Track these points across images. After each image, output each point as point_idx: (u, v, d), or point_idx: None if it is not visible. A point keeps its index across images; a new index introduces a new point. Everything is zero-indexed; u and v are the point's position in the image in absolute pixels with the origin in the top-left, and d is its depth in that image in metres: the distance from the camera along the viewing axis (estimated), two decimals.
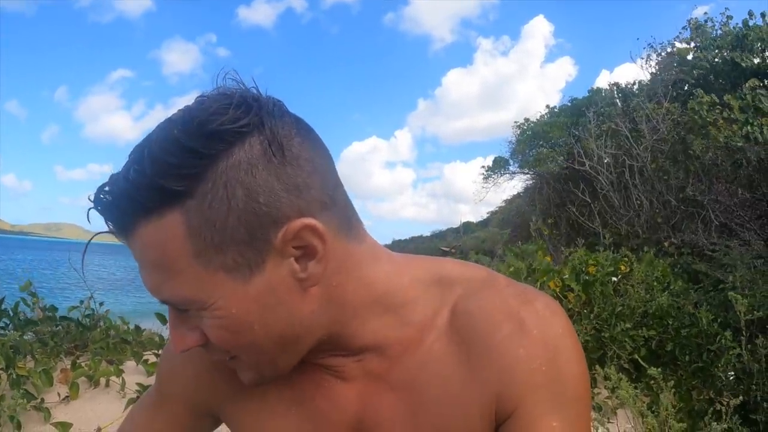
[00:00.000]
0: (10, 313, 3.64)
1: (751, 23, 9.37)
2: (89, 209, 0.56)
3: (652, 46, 11.21)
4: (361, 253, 0.61)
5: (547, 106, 14.60)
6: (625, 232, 7.97)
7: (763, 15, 9.29)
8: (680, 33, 10.51)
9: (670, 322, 3.90)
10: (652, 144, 8.42)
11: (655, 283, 4.37)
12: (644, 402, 2.81)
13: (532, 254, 5.42)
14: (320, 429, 0.66)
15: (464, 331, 0.63)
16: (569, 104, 13.68)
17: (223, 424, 0.76)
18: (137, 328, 3.97)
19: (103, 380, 3.25)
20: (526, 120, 14.02)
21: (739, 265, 4.40)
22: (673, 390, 2.81)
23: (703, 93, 7.66)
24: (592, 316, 4.08)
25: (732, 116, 7.15)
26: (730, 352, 3.10)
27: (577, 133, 10.34)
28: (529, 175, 13.50)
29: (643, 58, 11.24)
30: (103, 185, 0.55)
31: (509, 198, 16.64)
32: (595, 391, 3.36)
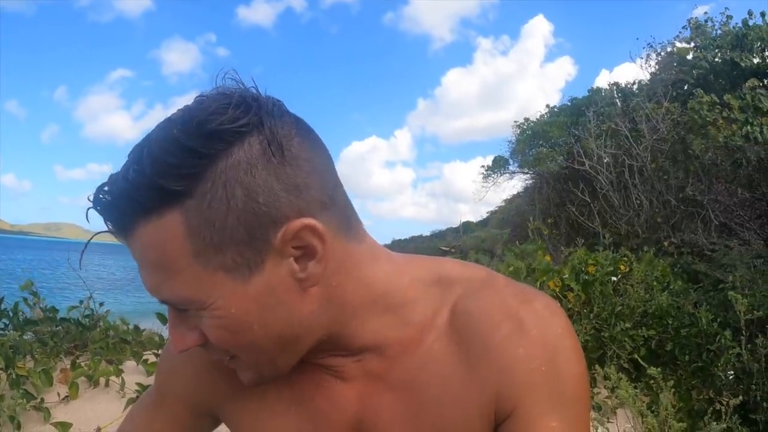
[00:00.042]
0: (10, 313, 3.64)
1: (750, 23, 9.37)
2: (88, 209, 0.56)
3: (651, 46, 11.23)
4: (360, 253, 0.61)
5: (547, 106, 14.61)
6: (625, 231, 7.97)
7: (762, 14, 9.29)
8: (680, 32, 10.53)
9: (670, 322, 3.90)
10: (652, 144, 8.42)
11: (655, 283, 4.37)
12: (644, 402, 2.81)
13: (531, 254, 5.42)
14: (320, 429, 0.66)
15: (464, 331, 0.63)
16: (569, 104, 13.69)
17: (223, 424, 0.76)
18: (136, 328, 3.97)
19: (102, 380, 3.25)
20: (526, 120, 14.03)
21: (738, 264, 4.40)
22: (672, 390, 2.81)
23: (703, 93, 7.66)
24: (591, 315, 4.08)
25: (732, 116, 7.15)
26: (730, 352, 3.10)
27: (576, 132, 10.34)
28: (528, 175, 13.50)
29: (642, 58, 11.26)
30: (103, 185, 0.55)
31: (509, 197, 16.65)
32: (595, 390, 3.36)
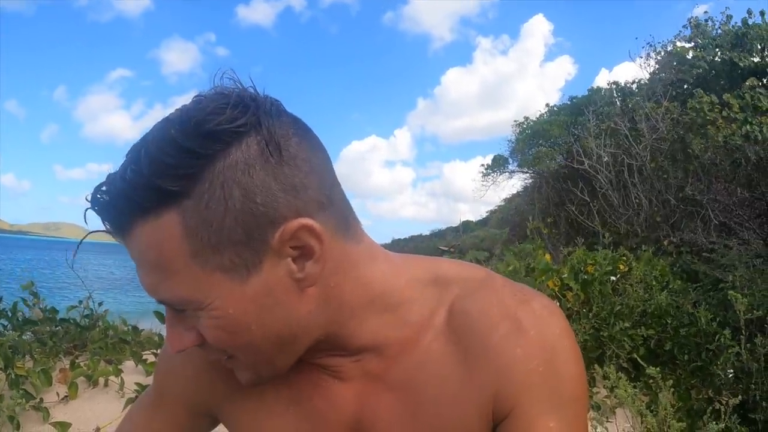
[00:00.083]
0: (9, 313, 3.64)
1: (750, 22, 9.38)
2: (86, 209, 0.56)
3: (651, 45, 11.24)
4: (358, 253, 0.61)
5: (547, 105, 14.64)
6: (624, 231, 7.97)
7: (762, 13, 9.30)
8: (680, 31, 10.54)
9: (669, 321, 3.90)
10: (651, 143, 8.42)
11: (654, 282, 4.37)
12: (643, 401, 2.81)
13: (530, 253, 5.42)
14: (318, 429, 0.66)
15: (461, 331, 0.63)
16: (569, 103, 13.70)
17: (221, 424, 0.76)
18: (135, 328, 3.97)
19: (101, 380, 3.25)
20: (526, 119, 14.05)
21: (738, 264, 4.40)
22: (671, 389, 2.81)
23: (702, 93, 7.67)
24: (590, 315, 4.08)
25: (731, 115, 7.16)
26: (729, 351, 3.10)
27: (576, 132, 10.35)
28: (528, 174, 13.51)
29: (642, 57, 11.26)
30: (100, 185, 0.55)
31: (508, 197, 16.66)
32: (594, 390, 3.36)
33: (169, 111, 0.56)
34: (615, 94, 11.88)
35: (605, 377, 2.95)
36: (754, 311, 3.17)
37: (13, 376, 2.93)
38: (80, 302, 3.93)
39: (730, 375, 3.10)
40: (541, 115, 14.10)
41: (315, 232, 0.55)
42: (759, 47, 9.13)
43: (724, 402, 2.73)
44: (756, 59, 9.00)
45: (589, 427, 2.51)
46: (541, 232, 8.04)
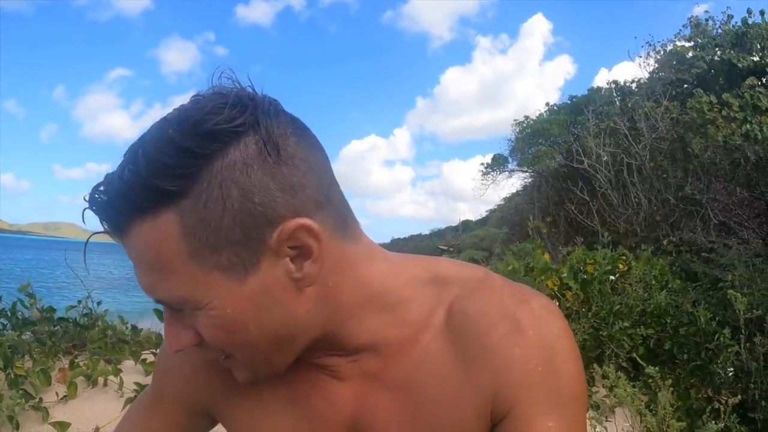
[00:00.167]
0: (8, 313, 3.64)
1: (750, 21, 9.39)
2: (84, 209, 0.56)
3: (650, 45, 11.25)
4: (356, 252, 0.61)
5: (547, 104, 14.65)
6: (624, 230, 7.97)
7: (762, 13, 9.30)
8: (680, 31, 10.55)
9: (669, 321, 3.90)
10: (651, 142, 8.42)
11: (654, 282, 4.37)
12: (642, 401, 2.81)
13: (530, 253, 5.43)
14: (316, 428, 0.66)
15: (460, 331, 0.63)
16: (569, 102, 13.71)
17: (220, 424, 0.76)
18: (134, 327, 3.97)
19: (101, 379, 3.25)
20: (526, 118, 14.06)
21: (737, 263, 4.40)
22: (671, 389, 2.81)
23: (702, 93, 7.67)
24: (590, 314, 4.08)
25: (731, 114, 7.16)
26: (729, 350, 3.10)
27: (575, 131, 10.35)
28: (528, 173, 13.52)
29: (641, 57, 11.27)
30: (98, 185, 0.55)
31: (508, 196, 16.67)
32: (594, 389, 3.36)
33: (169, 110, 0.56)
34: (614, 94, 11.89)
35: (604, 377, 2.95)
36: (754, 310, 3.17)
37: (12, 376, 2.93)
38: (79, 302, 3.93)
39: (731, 374, 3.10)
40: (540, 115, 14.12)
41: (313, 231, 0.54)
42: (758, 47, 9.13)
43: (723, 401, 2.73)
44: (756, 58, 9.01)
45: (588, 427, 2.52)
46: (541, 232, 8.04)
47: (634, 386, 2.87)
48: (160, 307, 0.60)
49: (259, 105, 0.55)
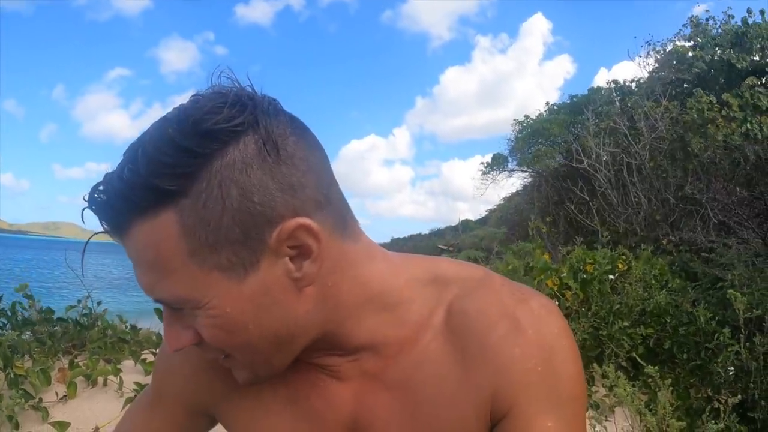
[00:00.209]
0: (8, 312, 3.64)
1: (750, 21, 9.39)
2: (84, 209, 0.56)
3: (650, 44, 11.25)
4: (356, 252, 0.61)
5: (547, 103, 14.65)
6: (623, 230, 7.97)
7: (762, 12, 9.30)
8: (680, 30, 10.55)
9: (668, 320, 3.91)
10: (650, 142, 8.43)
11: (653, 281, 4.38)
12: (642, 400, 2.81)
13: (530, 252, 5.43)
14: (315, 428, 0.66)
15: (460, 331, 0.63)
16: (569, 102, 13.71)
17: (219, 424, 0.76)
18: (134, 327, 3.97)
19: (100, 379, 3.25)
20: (526, 117, 14.06)
21: (737, 263, 4.41)
22: (671, 388, 2.81)
23: (702, 93, 7.68)
24: (589, 314, 4.08)
25: (731, 114, 7.17)
26: (729, 350, 3.10)
27: (575, 131, 10.35)
28: (527, 173, 13.52)
29: (641, 56, 11.28)
30: (98, 184, 0.55)
31: (508, 196, 16.66)
32: (593, 389, 3.36)
33: (168, 110, 0.56)
34: (614, 94, 11.89)
35: (604, 376, 2.95)
36: (753, 310, 3.17)
37: (12, 376, 2.93)
38: (79, 302, 3.93)
39: (731, 373, 3.10)
40: (540, 114, 14.12)
41: (312, 231, 0.54)
42: (758, 46, 9.14)
43: (723, 401, 2.73)
44: (756, 58, 9.02)
45: (588, 426, 2.52)
46: (541, 231, 8.04)
47: (633, 386, 2.87)
48: (160, 307, 0.60)
49: (258, 104, 0.54)
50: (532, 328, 0.62)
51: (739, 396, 2.69)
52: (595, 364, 3.15)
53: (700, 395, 3.30)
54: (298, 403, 0.67)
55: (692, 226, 6.64)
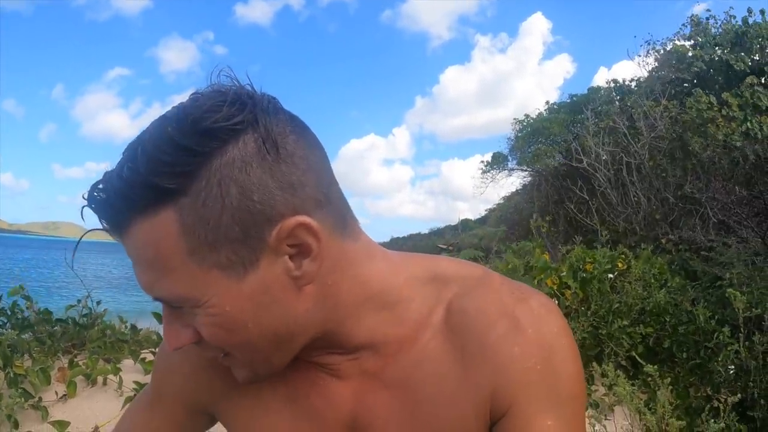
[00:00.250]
0: (8, 312, 3.64)
1: (750, 21, 9.39)
2: (83, 207, 0.56)
3: (650, 44, 11.25)
4: (355, 251, 0.61)
5: (547, 103, 14.64)
6: (623, 229, 7.98)
7: (762, 12, 9.30)
8: (680, 29, 10.55)
9: (668, 319, 3.91)
10: (650, 141, 8.43)
11: (653, 280, 4.38)
12: (641, 399, 2.81)
13: (530, 252, 5.43)
14: (315, 426, 0.66)
15: (459, 330, 0.63)
16: (568, 101, 13.71)
17: (219, 423, 0.76)
18: (134, 327, 3.97)
19: (100, 379, 3.25)
20: (526, 116, 14.05)
21: (736, 262, 4.41)
22: (670, 387, 2.81)
23: (702, 93, 7.68)
24: (589, 313, 4.09)
25: (731, 113, 7.17)
26: (728, 349, 3.10)
27: (575, 130, 10.35)
28: (527, 172, 13.52)
29: (641, 56, 11.28)
30: (97, 183, 0.55)
31: (507, 195, 16.65)
32: (593, 388, 3.36)
33: (168, 109, 0.56)
34: (614, 93, 11.89)
35: (603, 375, 2.95)
36: (753, 309, 3.17)
37: (11, 375, 2.93)
38: (79, 301, 3.93)
39: (731, 371, 3.10)
40: (540, 114, 14.11)
41: (312, 229, 0.54)
42: (758, 46, 9.14)
43: (722, 400, 2.73)
44: (756, 57, 9.02)
45: (588, 425, 2.52)
46: (541, 230, 8.04)
47: (633, 385, 2.87)
48: (159, 307, 0.60)
49: (258, 103, 0.54)
50: (531, 327, 0.62)
51: (739, 395, 2.69)
52: (594, 363, 3.15)
53: (699, 394, 3.30)
54: (297, 402, 0.67)
55: (692, 225, 6.65)
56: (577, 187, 9.04)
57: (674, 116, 8.40)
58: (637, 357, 3.59)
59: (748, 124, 7.06)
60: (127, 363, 3.50)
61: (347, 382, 0.65)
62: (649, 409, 2.62)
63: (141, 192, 0.52)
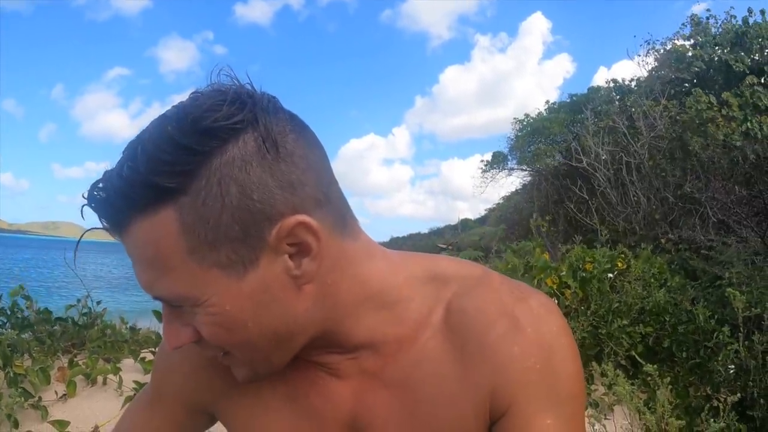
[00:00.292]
0: (8, 311, 3.64)
1: (750, 21, 9.39)
2: (83, 206, 0.56)
3: (649, 43, 11.25)
4: (355, 250, 0.61)
5: (547, 102, 14.64)
6: (623, 228, 7.98)
7: (762, 12, 9.30)
8: (680, 29, 10.56)
9: (667, 319, 3.91)
10: (650, 141, 8.43)
11: (653, 280, 4.38)
12: (641, 398, 2.82)
13: (529, 251, 5.43)
14: (314, 426, 0.66)
15: (459, 329, 0.63)
16: (568, 101, 13.71)
17: (219, 423, 0.76)
18: (133, 327, 3.97)
19: (100, 378, 3.25)
20: (526, 116, 14.06)
21: (736, 261, 4.41)
22: (670, 386, 2.81)
23: (701, 93, 7.68)
24: (589, 312, 4.09)
25: (731, 113, 7.17)
26: (728, 348, 3.10)
27: (575, 130, 10.36)
28: (527, 172, 13.53)
29: (640, 56, 11.28)
30: (97, 182, 0.55)
31: (507, 195, 16.66)
32: (592, 387, 3.36)
33: (167, 109, 0.56)
34: (614, 93, 11.90)
35: (603, 374, 2.95)
36: (752, 308, 3.17)
37: (11, 375, 2.93)
38: (78, 301, 3.94)
39: (730, 371, 3.10)
40: (540, 113, 14.11)
41: (312, 228, 0.54)
42: (758, 46, 9.14)
43: (722, 399, 2.73)
44: (756, 57, 9.02)
45: (587, 425, 2.52)
46: (540, 230, 8.05)
47: (632, 384, 2.87)
48: (159, 308, 0.59)
49: (257, 102, 0.54)
50: (531, 327, 0.62)
51: (739, 394, 2.69)
52: (594, 363, 3.15)
53: (699, 393, 3.30)
54: (297, 401, 0.67)
55: (691, 224, 6.65)
56: (577, 186, 9.05)
57: (674, 116, 8.41)
58: (636, 356, 3.59)
59: (748, 123, 7.06)
60: (127, 362, 3.50)
61: (347, 381, 0.65)
62: (649, 408, 2.62)
63: (141, 191, 0.52)
